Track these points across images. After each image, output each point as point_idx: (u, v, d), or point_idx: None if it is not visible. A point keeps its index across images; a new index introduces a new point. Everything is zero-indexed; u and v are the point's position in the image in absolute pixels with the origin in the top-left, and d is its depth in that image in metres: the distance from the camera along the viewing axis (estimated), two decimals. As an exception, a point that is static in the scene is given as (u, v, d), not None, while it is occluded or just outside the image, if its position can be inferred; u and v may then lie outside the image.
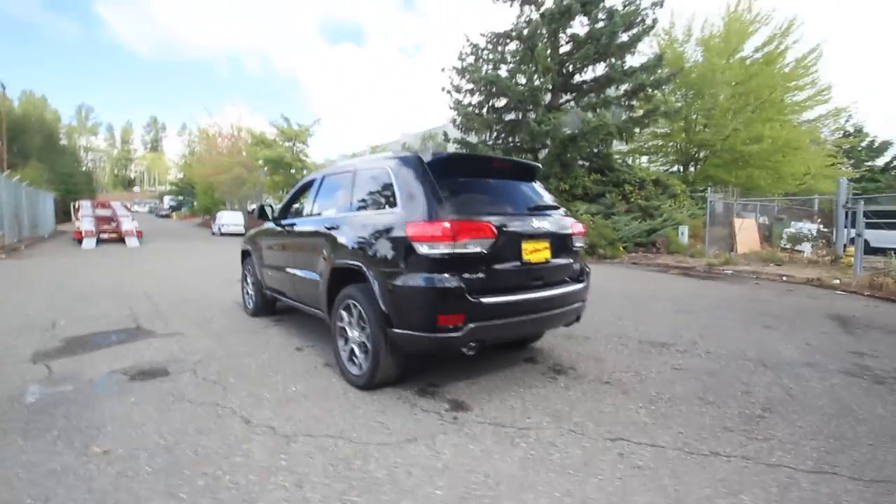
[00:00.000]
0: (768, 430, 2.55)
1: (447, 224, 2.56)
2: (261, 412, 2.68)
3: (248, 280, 5.39)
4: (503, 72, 17.80)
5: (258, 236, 5.06)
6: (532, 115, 16.21)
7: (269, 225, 4.86)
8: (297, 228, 4.05)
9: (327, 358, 3.70)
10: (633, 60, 16.79)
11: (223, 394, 2.96)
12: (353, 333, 3.10)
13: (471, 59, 18.09)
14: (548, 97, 17.04)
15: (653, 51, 18.30)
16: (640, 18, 15.69)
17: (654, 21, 15.67)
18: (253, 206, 37.33)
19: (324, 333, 4.43)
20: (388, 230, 2.80)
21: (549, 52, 16.36)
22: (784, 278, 9.21)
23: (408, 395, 2.95)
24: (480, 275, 2.65)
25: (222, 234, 29.26)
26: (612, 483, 2.02)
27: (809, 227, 13.59)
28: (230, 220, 30.35)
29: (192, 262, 12.07)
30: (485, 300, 2.65)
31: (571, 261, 3.26)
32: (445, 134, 19.14)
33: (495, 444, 2.34)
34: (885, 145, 31.51)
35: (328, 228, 3.41)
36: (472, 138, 18.50)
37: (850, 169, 25.03)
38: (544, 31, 16.37)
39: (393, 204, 2.88)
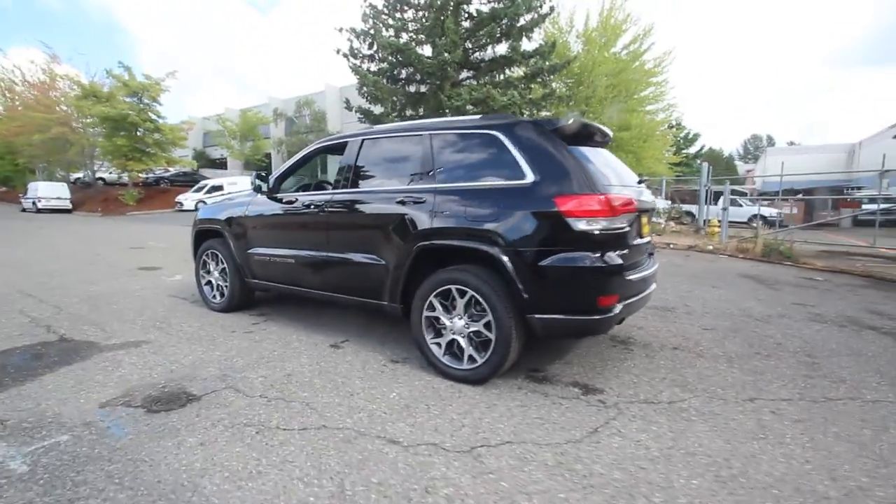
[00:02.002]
0: (833, 373, 2.98)
1: (604, 197, 2.34)
2: (393, 428, 2.17)
3: (213, 269, 4.29)
4: (404, 40, 17.14)
5: (238, 215, 4.01)
6: (442, 89, 15.97)
7: (255, 199, 3.89)
8: (329, 204, 3.29)
9: (385, 354, 3.17)
10: (526, 46, 17.70)
11: (314, 412, 2.31)
12: (456, 323, 2.68)
13: (370, 23, 16.97)
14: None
15: (541, 38, 19.51)
16: (539, 3, 16.48)
17: (552, 8, 16.63)
18: (77, 176, 30.02)
19: (347, 324, 3.80)
20: (522, 204, 2.43)
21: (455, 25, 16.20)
22: (670, 245, 10.92)
23: (525, 384, 2.70)
24: (626, 251, 2.51)
25: (39, 211, 23.13)
26: (804, 440, 2.13)
27: (664, 202, 16.40)
28: (51, 192, 24.21)
29: (41, 246, 9.21)
30: (630, 277, 2.53)
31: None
32: (347, 101, 17.74)
33: (671, 422, 2.28)
34: (696, 136, 39.48)
35: (405, 203, 2.85)
36: (376, 108, 17.54)
37: (673, 155, 30.65)
38: (452, 3, 16.11)
39: (518, 174, 2.51)
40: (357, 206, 3.13)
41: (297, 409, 2.35)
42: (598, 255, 2.34)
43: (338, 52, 17.60)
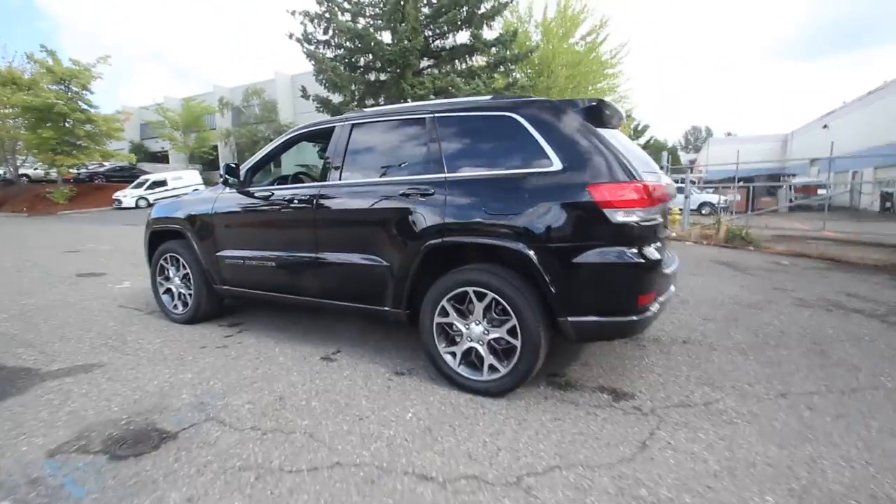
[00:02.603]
0: (844, 361, 2.96)
1: (642, 185, 2.11)
2: (420, 460, 1.86)
3: (173, 276, 3.75)
4: (361, 25, 16.45)
5: (203, 212, 3.49)
6: (404, 77, 15.46)
7: (223, 194, 3.41)
8: (318, 198, 2.87)
9: (387, 366, 2.84)
10: (487, 35, 17.47)
11: (322, 446, 1.96)
12: (473, 329, 2.40)
13: (326, 6, 16.12)
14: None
15: (500, 28, 19.36)
16: (501, -10, 16.25)
17: (513, -5, 16.44)
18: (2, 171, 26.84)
19: (336, 332, 3.42)
20: (550, 194, 2.17)
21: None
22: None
23: (550, 392, 2.46)
24: (659, 243, 2.31)
25: (-49, 212, 20.59)
26: (853, 439, 2.03)
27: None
28: (-36, 191, 21.51)
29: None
30: (666, 271, 2.34)
31: None
32: (304, 88, 16.83)
33: (716, 427, 2.12)
34: (646, 127, 41.03)
35: (409, 196, 2.51)
36: (335, 97, 16.76)
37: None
38: (412, -12, 15.57)
39: (542, 160, 2.24)
40: (351, 199, 2.75)
41: (301, 442, 2.00)
42: (636, 249, 2.12)
43: (290, 36, 16.64)
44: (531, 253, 2.17)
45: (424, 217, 2.45)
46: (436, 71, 17.49)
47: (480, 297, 2.34)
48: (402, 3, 15.00)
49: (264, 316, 3.93)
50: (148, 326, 3.69)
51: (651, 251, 2.17)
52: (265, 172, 3.57)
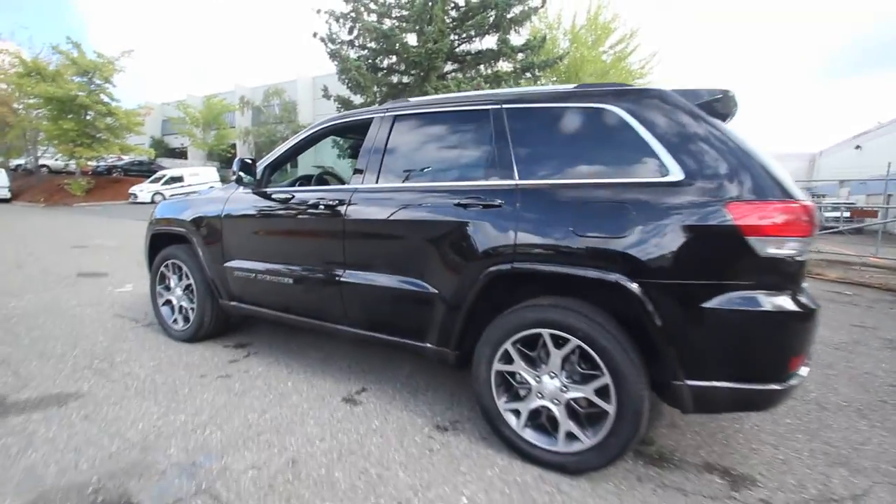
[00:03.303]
0: None
1: (800, 206, 1.55)
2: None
3: (174, 286, 3.26)
4: (387, 26, 16.10)
5: (211, 214, 2.99)
6: (429, 80, 15.05)
7: (235, 194, 2.91)
8: (349, 203, 2.35)
9: (424, 415, 2.29)
10: (514, 41, 17.00)
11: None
12: (546, 384, 1.83)
13: (352, 5, 15.82)
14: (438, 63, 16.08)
15: (528, 33, 18.89)
16: (531, -6, 15.79)
17: (543, 1, 15.96)
18: (18, 163, 27.17)
19: (359, 360, 2.88)
20: (667, 212, 1.61)
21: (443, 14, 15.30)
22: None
23: (644, 471, 1.88)
24: (805, 283, 1.73)
25: (-29, 200, 20.74)
26: None
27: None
28: (-15, 180, 21.68)
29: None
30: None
31: None
32: (325, 88, 16.51)
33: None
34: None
35: (468, 206, 1.97)
36: (356, 98, 16.41)
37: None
38: (440, -11, 15.18)
39: (654, 167, 1.69)
40: (391, 208, 2.22)
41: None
42: (790, 293, 1.55)
43: (315, 35, 16.36)
44: (637, 289, 1.61)
45: (488, 234, 1.91)
46: (460, 75, 17.06)
47: (559, 342, 1.79)
48: (430, 3, 14.60)
49: (276, 335, 3.41)
50: (143, 344, 3.20)
51: (808, 297, 1.59)
52: (284, 172, 3.07)
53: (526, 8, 16.04)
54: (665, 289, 1.61)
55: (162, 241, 3.33)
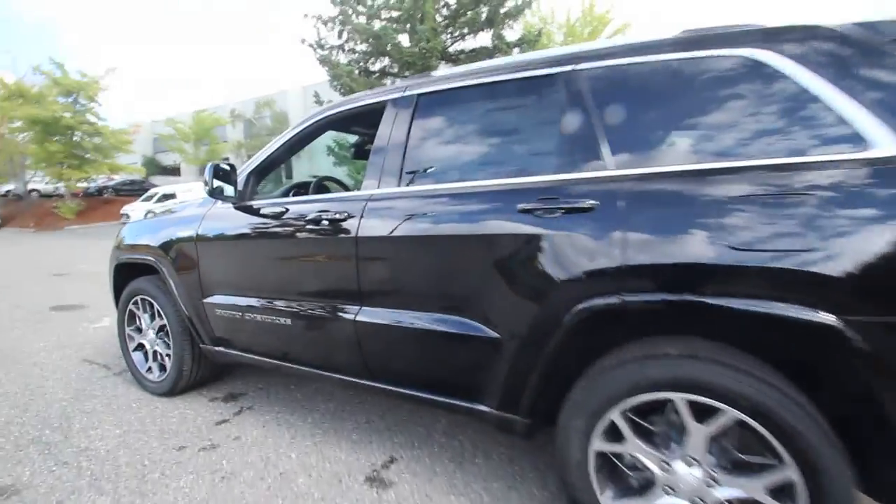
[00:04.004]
0: None
1: None
2: None
3: (146, 327, 2.64)
4: (377, 27, 15.56)
5: (184, 236, 2.37)
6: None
7: (212, 211, 2.29)
8: (364, 215, 1.72)
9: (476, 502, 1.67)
10: (508, 35, 16.46)
11: None
12: (679, 473, 1.22)
13: (339, 8, 15.29)
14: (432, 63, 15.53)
15: (521, 29, 18.36)
16: (524, -13, 15.27)
17: (538, -8, 15.45)
18: (8, 188, 26.51)
19: (381, 413, 2.23)
20: (885, 206, 1.01)
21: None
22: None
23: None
24: None
25: (-46, 229, 20.11)
26: None
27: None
28: (-31, 207, 21.05)
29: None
30: None
31: None
32: (317, 95, 15.95)
33: None
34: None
35: (538, 213, 1.35)
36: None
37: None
38: (430, -14, 14.65)
39: (841, 137, 1.08)
40: (422, 220, 1.60)
41: None
42: None
43: (303, 41, 15.83)
44: (848, 331, 0.99)
45: (575, 252, 1.30)
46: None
47: (703, 413, 1.17)
48: (420, 1, 14.06)
49: (275, 380, 2.79)
50: (110, 402, 2.57)
51: None
52: (272, 180, 2.45)
53: (519, 2, 15.52)
54: (890, 331, 0.99)
55: (128, 274, 2.70)
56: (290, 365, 2.09)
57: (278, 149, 2.18)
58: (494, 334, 1.46)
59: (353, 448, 2.04)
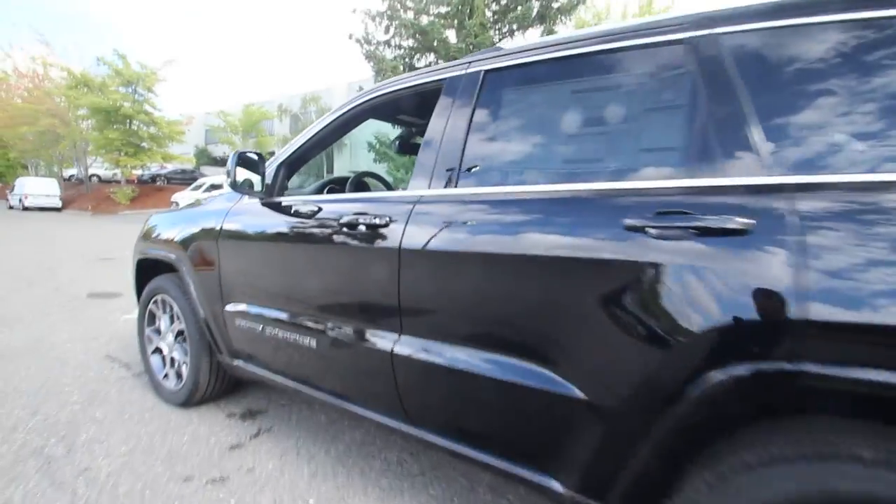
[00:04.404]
0: None
1: None
2: None
3: (164, 329, 2.42)
4: (425, 22, 15.34)
5: (207, 228, 2.11)
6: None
7: (239, 206, 2.01)
8: (410, 221, 1.37)
9: None
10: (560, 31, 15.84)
11: None
12: None
13: (388, 3, 15.16)
14: (478, 59, 15.15)
15: (573, 25, 17.64)
16: (579, -20, 14.61)
17: (593, -13, 14.76)
18: (72, 173, 28.30)
19: (420, 470, 1.88)
20: None
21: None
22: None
23: None
24: None
25: (26, 209, 21.52)
26: None
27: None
28: (39, 188, 22.59)
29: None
30: None
31: None
32: (361, 89, 15.84)
33: None
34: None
35: (658, 232, 0.96)
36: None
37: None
38: (480, -20, 14.26)
39: None
40: (487, 232, 1.24)
41: None
42: None
43: (350, 37, 15.81)
44: None
45: (715, 292, 0.89)
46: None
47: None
48: (469, -2, 13.71)
49: (300, 399, 2.50)
50: (123, 410, 2.35)
51: None
52: (304, 173, 2.15)
53: (575, -5, 14.86)
54: None
55: (149, 270, 2.48)
56: (310, 391, 1.77)
57: (312, 137, 1.87)
58: (580, 394, 1.07)
59: (381, 499, 1.70)
